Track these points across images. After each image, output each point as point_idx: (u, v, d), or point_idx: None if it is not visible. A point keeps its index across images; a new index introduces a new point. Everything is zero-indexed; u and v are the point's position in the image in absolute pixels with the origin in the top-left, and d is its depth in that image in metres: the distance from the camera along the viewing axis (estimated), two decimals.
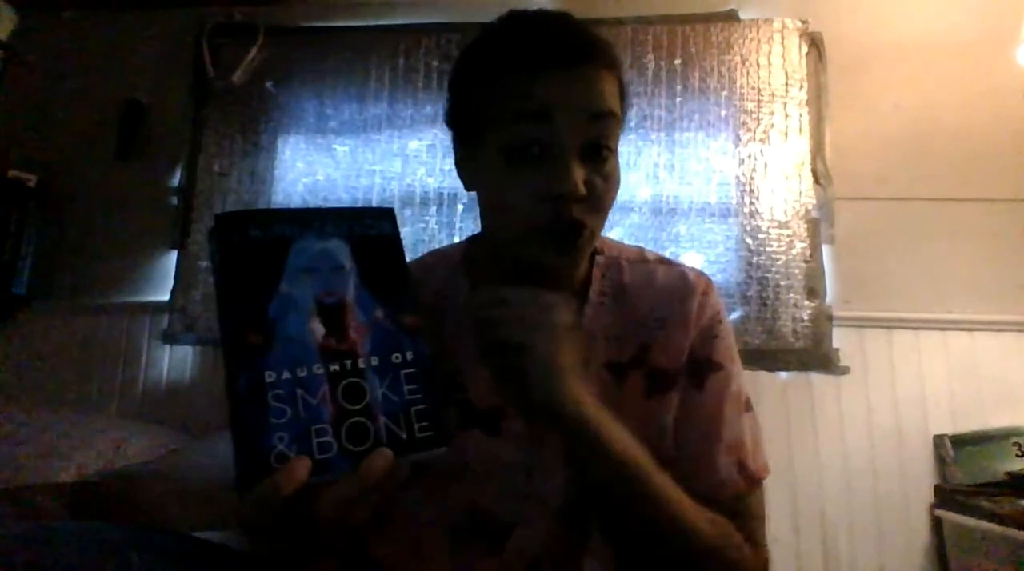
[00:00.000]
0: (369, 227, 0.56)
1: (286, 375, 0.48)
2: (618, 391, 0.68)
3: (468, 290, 0.73)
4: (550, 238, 0.62)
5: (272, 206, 2.02)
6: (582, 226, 0.62)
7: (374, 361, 0.52)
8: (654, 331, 0.70)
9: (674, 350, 0.69)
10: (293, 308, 0.50)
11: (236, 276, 0.50)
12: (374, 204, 1.98)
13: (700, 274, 0.74)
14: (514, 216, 0.63)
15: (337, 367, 0.50)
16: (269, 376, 0.48)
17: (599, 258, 0.74)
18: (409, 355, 0.54)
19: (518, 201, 0.62)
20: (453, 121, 0.70)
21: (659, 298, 0.72)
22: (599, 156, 0.62)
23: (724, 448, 0.68)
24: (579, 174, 0.60)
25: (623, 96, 0.66)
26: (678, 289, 0.72)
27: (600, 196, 0.62)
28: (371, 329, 0.53)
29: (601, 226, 0.65)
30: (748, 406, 0.73)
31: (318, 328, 0.51)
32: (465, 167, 0.70)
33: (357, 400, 0.50)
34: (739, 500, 0.68)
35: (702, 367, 0.70)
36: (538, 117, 0.60)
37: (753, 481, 0.69)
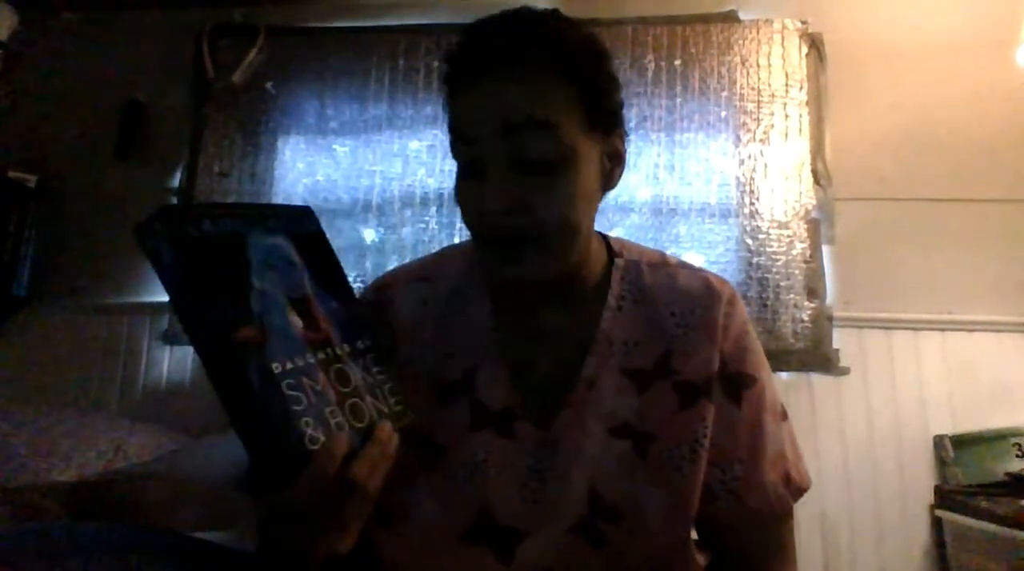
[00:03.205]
0: (299, 225, 0.59)
1: (289, 365, 0.50)
2: (639, 399, 0.67)
3: (485, 286, 0.72)
4: (494, 249, 0.62)
5: None
6: (523, 238, 0.60)
7: (347, 348, 0.56)
8: (676, 336, 0.69)
9: (700, 359, 0.68)
10: (271, 302, 0.52)
11: (204, 271, 0.50)
12: (374, 204, 1.99)
13: (724, 282, 0.72)
14: (468, 227, 0.64)
15: (323, 355, 0.53)
16: (276, 367, 0.49)
17: (618, 261, 0.73)
18: (368, 341, 0.58)
19: (467, 214, 0.63)
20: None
21: (681, 302, 0.70)
22: (537, 166, 0.59)
23: (769, 464, 0.68)
24: (500, 190, 0.58)
25: (588, 86, 0.61)
26: (702, 295, 0.70)
27: (541, 208, 0.59)
28: (334, 319, 0.56)
29: (557, 235, 0.61)
30: (784, 415, 0.72)
31: (296, 320, 0.53)
32: None
33: (346, 384, 0.54)
34: (783, 524, 0.69)
35: (737, 382, 0.69)
36: (462, 136, 0.61)
37: (799, 492, 0.69)
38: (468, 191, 0.62)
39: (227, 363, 0.48)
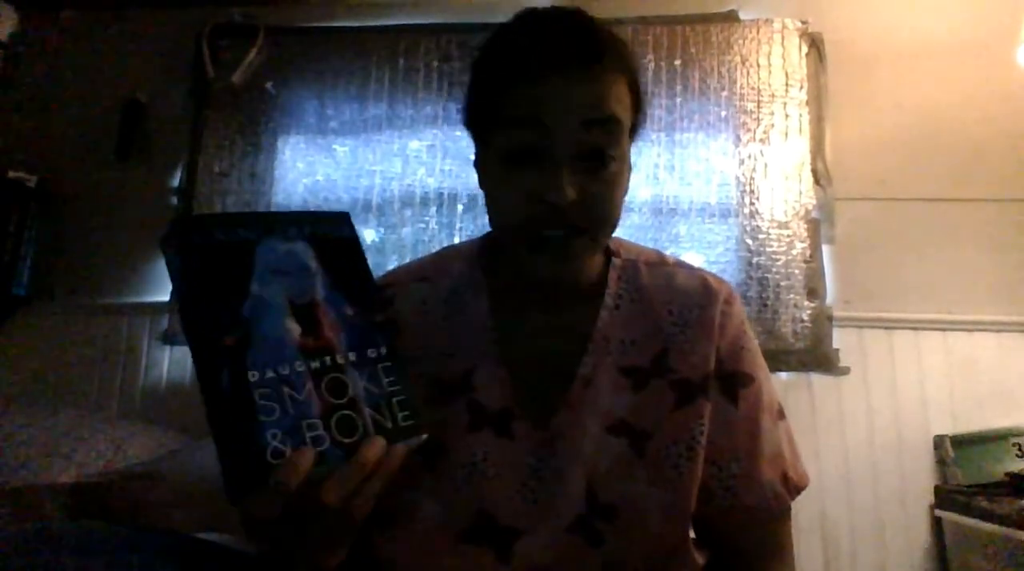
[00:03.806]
0: (328, 230, 0.57)
1: (269, 373, 0.49)
2: (635, 396, 0.67)
3: (484, 286, 0.72)
4: (543, 244, 0.61)
5: (272, 206, 2.03)
6: (576, 232, 0.61)
7: (352, 356, 0.53)
8: (673, 335, 0.69)
9: (697, 357, 0.68)
10: (267, 308, 0.51)
11: (205, 278, 0.50)
12: (374, 204, 1.99)
13: (721, 281, 0.73)
14: (510, 219, 0.63)
15: (318, 364, 0.51)
16: (252, 375, 0.48)
17: (615, 261, 0.73)
18: (383, 349, 0.55)
19: (513, 205, 0.62)
20: (468, 122, 0.70)
21: (678, 301, 0.70)
22: (598, 162, 0.61)
23: (767, 463, 0.68)
24: (571, 181, 0.59)
25: (636, 98, 0.65)
26: (699, 294, 0.71)
27: (597, 203, 0.61)
28: (345, 326, 0.54)
29: (603, 231, 0.64)
30: (781, 414, 0.72)
31: (294, 327, 0.52)
32: (477, 167, 0.70)
33: (341, 394, 0.51)
34: (781, 523, 0.69)
35: (734, 381, 0.69)
36: (532, 123, 0.60)
37: (796, 490, 0.69)
38: (524, 179, 0.61)
39: (209, 368, 0.48)
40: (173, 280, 0.51)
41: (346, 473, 0.48)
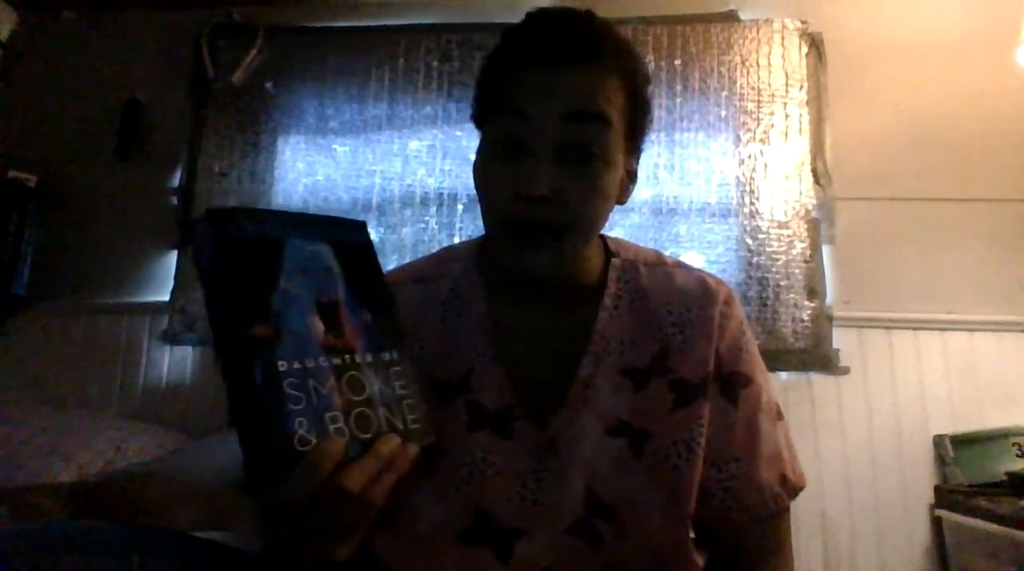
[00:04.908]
0: (347, 235, 0.60)
1: (296, 365, 0.50)
2: (635, 397, 0.67)
3: (482, 287, 0.72)
4: (520, 236, 0.62)
5: (273, 207, 2.03)
6: (549, 227, 0.61)
7: (368, 358, 0.55)
8: (672, 335, 0.69)
9: (696, 358, 0.68)
10: (294, 303, 0.52)
11: (236, 269, 0.51)
12: (374, 204, 1.99)
13: (720, 282, 0.73)
14: (491, 210, 0.64)
15: (339, 361, 0.53)
16: (282, 365, 0.49)
17: (615, 261, 0.73)
18: (395, 354, 0.58)
19: (495, 195, 0.63)
20: (473, 118, 0.71)
21: (678, 301, 0.71)
22: (580, 159, 0.61)
23: (765, 463, 0.68)
24: (546, 175, 0.59)
25: (635, 103, 0.65)
26: (698, 294, 0.71)
27: (572, 199, 0.61)
28: (362, 328, 0.56)
29: (581, 229, 0.63)
30: (780, 415, 0.72)
31: (318, 324, 0.53)
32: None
33: (359, 392, 0.53)
34: (780, 523, 0.69)
35: (734, 382, 0.69)
36: (515, 113, 0.61)
37: (794, 491, 0.69)
38: (506, 170, 0.62)
39: (237, 356, 0.49)
40: (203, 268, 0.52)
41: (365, 462, 0.50)
